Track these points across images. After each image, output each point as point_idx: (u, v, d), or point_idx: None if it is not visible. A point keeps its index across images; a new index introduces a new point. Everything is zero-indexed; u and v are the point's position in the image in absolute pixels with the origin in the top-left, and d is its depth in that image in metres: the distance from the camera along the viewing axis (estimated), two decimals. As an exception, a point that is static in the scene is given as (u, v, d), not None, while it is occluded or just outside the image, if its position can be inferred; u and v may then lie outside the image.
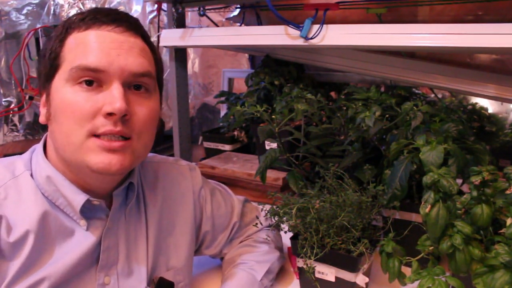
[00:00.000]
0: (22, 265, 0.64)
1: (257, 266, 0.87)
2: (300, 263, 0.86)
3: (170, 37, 1.43)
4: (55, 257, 0.67)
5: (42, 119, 0.70)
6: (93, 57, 0.64)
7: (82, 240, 0.69)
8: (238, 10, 1.81)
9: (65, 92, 0.64)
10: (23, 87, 1.85)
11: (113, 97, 0.63)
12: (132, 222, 0.77)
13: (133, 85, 0.67)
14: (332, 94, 1.70)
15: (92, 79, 0.64)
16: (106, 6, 2.27)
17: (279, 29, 1.18)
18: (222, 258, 0.96)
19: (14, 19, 2.19)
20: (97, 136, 0.64)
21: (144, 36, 0.71)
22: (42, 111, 0.70)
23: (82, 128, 0.63)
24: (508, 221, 0.70)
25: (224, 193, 0.96)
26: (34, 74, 1.93)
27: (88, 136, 0.64)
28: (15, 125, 2.25)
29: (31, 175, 0.69)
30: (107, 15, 0.67)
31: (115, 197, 0.73)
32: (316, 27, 1.11)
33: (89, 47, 0.64)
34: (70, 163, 0.68)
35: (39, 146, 0.73)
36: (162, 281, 0.78)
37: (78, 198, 0.68)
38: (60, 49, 0.66)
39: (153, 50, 0.73)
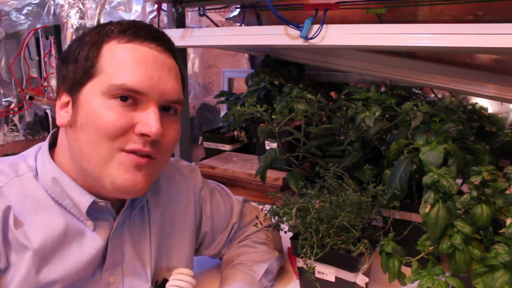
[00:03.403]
0: (31, 265, 0.63)
1: (255, 266, 0.86)
2: (300, 263, 0.86)
3: (170, 37, 1.43)
4: (66, 258, 0.66)
5: (62, 122, 0.68)
6: (136, 79, 0.64)
7: (90, 241, 0.69)
8: (238, 10, 1.81)
9: (99, 104, 0.64)
10: (23, 87, 1.85)
11: (150, 119, 0.64)
12: (135, 223, 0.77)
13: (164, 106, 0.69)
14: (332, 94, 1.69)
15: (129, 96, 0.64)
16: (106, 6, 2.27)
17: (279, 29, 1.18)
18: (221, 258, 0.96)
19: (14, 19, 2.19)
20: (125, 151, 0.65)
21: (176, 57, 0.73)
22: (63, 114, 0.68)
23: (112, 142, 0.64)
24: (508, 221, 0.70)
25: (223, 193, 0.96)
26: (34, 74, 1.93)
27: (118, 150, 0.65)
28: (15, 125, 2.24)
29: (34, 176, 0.68)
30: (149, 32, 0.68)
31: (127, 200, 0.74)
32: (316, 27, 1.11)
33: (131, 65, 0.64)
34: (89, 173, 0.67)
35: (44, 147, 0.72)
36: (166, 282, 0.77)
37: (84, 200, 0.68)
38: (96, 58, 0.65)
39: (181, 70, 0.74)
